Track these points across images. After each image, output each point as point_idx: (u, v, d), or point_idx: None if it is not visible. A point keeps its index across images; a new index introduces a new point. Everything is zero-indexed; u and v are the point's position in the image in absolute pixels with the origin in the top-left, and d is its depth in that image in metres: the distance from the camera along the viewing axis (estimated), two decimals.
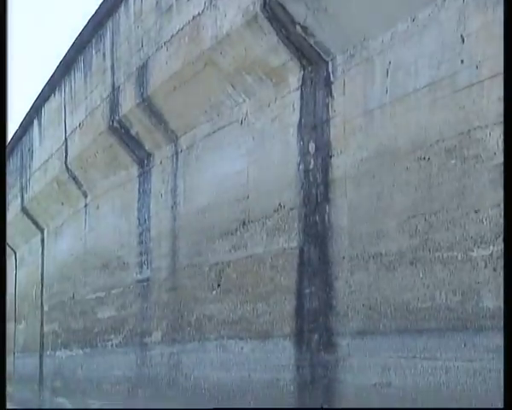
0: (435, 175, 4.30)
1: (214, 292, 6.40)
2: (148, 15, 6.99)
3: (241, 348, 5.98)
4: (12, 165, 12.58)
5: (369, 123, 4.83)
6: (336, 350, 4.97)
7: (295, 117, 5.51)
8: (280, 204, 5.61)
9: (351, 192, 4.94)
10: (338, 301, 4.98)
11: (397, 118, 4.61)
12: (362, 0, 4.76)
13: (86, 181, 9.39)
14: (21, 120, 12.08)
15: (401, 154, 4.55)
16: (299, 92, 5.47)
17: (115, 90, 7.77)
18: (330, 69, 5.18)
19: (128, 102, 7.46)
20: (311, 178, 5.30)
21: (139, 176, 7.99)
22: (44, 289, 11.52)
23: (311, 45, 5.19)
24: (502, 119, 3.81)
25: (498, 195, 3.86)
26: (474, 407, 3.98)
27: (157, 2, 6.81)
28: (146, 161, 7.82)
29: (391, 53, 4.65)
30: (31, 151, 11.54)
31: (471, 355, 4.01)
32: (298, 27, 5.13)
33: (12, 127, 12.45)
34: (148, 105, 7.13)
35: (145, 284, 7.68)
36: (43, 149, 10.73)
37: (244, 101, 6.07)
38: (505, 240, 3.69)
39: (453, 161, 4.19)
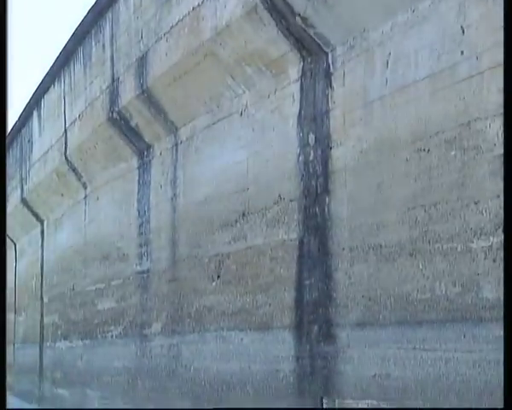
0: (435, 166, 4.30)
1: (214, 283, 6.40)
2: (148, 6, 6.97)
3: (241, 340, 5.98)
4: (11, 156, 12.58)
5: (368, 114, 4.82)
6: (336, 341, 4.98)
7: (295, 108, 5.50)
8: (280, 196, 5.61)
9: (350, 184, 4.94)
10: (338, 292, 4.98)
11: (397, 109, 4.60)
12: None
13: (86, 172, 9.39)
14: (21, 111, 12.08)
15: (401, 145, 4.55)
16: (298, 83, 5.47)
17: (115, 81, 7.76)
18: (330, 60, 5.17)
19: (128, 93, 7.46)
20: (311, 170, 5.30)
21: (139, 167, 7.99)
22: (44, 281, 11.53)
23: (310, 36, 5.18)
24: (502, 110, 3.81)
25: (498, 186, 3.86)
26: (473, 397, 3.99)
27: None
28: (146, 153, 7.82)
29: (391, 44, 4.65)
30: (30, 143, 11.54)
31: (471, 346, 4.02)
32: (298, 18, 5.12)
33: (11, 118, 12.44)
34: (147, 96, 7.13)
35: (145, 275, 7.68)
36: (43, 140, 10.73)
37: (244, 92, 6.07)
38: (505, 231, 3.70)
39: (453, 153, 4.19)
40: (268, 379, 5.63)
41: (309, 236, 5.29)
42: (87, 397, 9.17)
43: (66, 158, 9.56)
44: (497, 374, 3.81)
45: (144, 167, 7.85)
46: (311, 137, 5.32)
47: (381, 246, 4.65)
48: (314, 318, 5.18)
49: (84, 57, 8.78)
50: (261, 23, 5.41)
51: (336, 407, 4.94)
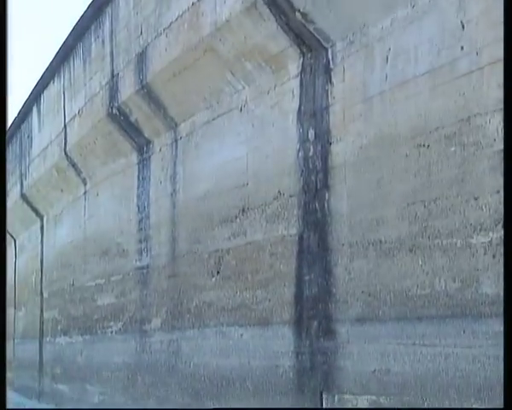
0: (435, 162, 4.29)
1: (214, 279, 6.40)
2: (148, 2, 6.97)
3: (241, 335, 5.99)
4: (11, 152, 12.57)
5: (368, 110, 4.82)
6: (335, 337, 4.98)
7: (295, 104, 5.50)
8: (279, 191, 5.61)
9: (350, 179, 4.93)
10: (337, 288, 4.98)
11: (396, 105, 4.60)
12: None
13: (85, 168, 9.39)
14: (20, 106, 12.07)
15: (401, 141, 4.55)
16: (298, 79, 5.47)
17: (114, 76, 7.75)
18: (330, 56, 5.17)
19: (127, 88, 7.45)
20: (311, 166, 5.30)
21: (138, 163, 7.98)
22: (44, 276, 11.54)
23: (310, 32, 5.18)
24: (502, 105, 3.81)
25: (498, 182, 3.86)
26: (472, 392, 3.99)
27: None
28: (145, 148, 7.82)
29: (391, 39, 4.64)
30: (30, 138, 11.53)
31: (470, 342, 4.02)
32: (297, 14, 5.12)
33: (11, 114, 12.43)
34: (147, 92, 7.12)
35: (144, 271, 7.68)
36: (43, 135, 10.73)
37: (243, 88, 6.06)
38: (505, 227, 3.70)
39: (453, 148, 4.18)
40: (268, 375, 5.63)
41: (309, 231, 5.29)
42: (87, 392, 9.18)
43: (65, 153, 9.55)
44: (497, 369, 3.82)
45: (144, 163, 7.85)
46: (311, 133, 5.32)
47: (380, 242, 4.65)
48: (314, 313, 5.18)
49: (84, 53, 8.78)
50: (261, 18, 5.41)
51: (336, 401, 4.94)
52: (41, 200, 11.50)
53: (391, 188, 4.60)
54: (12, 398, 12.10)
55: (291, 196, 5.48)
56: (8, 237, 12.94)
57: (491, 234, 3.93)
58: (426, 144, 4.36)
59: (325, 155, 5.17)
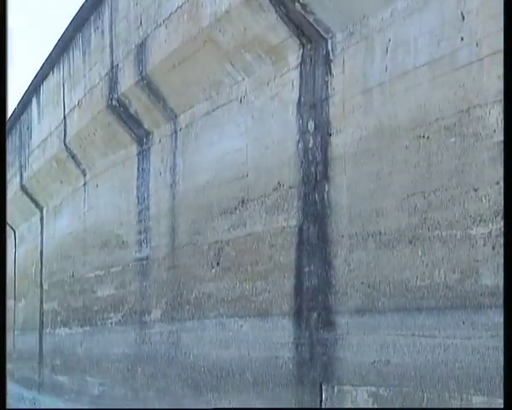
0: (435, 153, 4.29)
1: (213, 270, 6.41)
2: None
3: (241, 327, 5.99)
4: (11, 143, 12.56)
5: (368, 101, 4.82)
6: (335, 328, 4.99)
7: (294, 95, 5.49)
8: (279, 183, 5.61)
9: (350, 171, 4.93)
10: (337, 279, 4.99)
11: (396, 96, 4.59)
12: None
13: (85, 159, 9.39)
14: (20, 97, 12.06)
15: (400, 132, 4.55)
16: (298, 70, 5.46)
17: (114, 68, 7.74)
18: (330, 47, 5.16)
19: (127, 80, 7.44)
20: (311, 157, 5.30)
21: (138, 154, 7.98)
22: (44, 268, 11.54)
23: (310, 23, 5.17)
24: (501, 97, 3.80)
25: (498, 173, 3.86)
26: (472, 383, 4.00)
27: None
28: (145, 140, 7.81)
29: (391, 31, 4.63)
30: (29, 129, 11.53)
31: (470, 333, 4.02)
32: (297, 4, 5.11)
33: (10, 105, 12.42)
34: (146, 83, 7.12)
35: (144, 262, 7.69)
36: (42, 127, 10.72)
37: (243, 79, 6.06)
38: (504, 218, 3.70)
39: (453, 139, 4.18)
40: (267, 366, 5.64)
41: (308, 223, 5.29)
42: (87, 383, 9.19)
43: (65, 145, 9.55)
44: (496, 361, 3.82)
45: (144, 154, 7.85)
46: (311, 124, 5.32)
47: (380, 233, 4.65)
48: (313, 305, 5.19)
49: (84, 44, 8.77)
50: (260, 9, 5.40)
51: (335, 392, 4.95)
52: (41, 191, 11.50)
53: (390, 179, 4.60)
54: (12, 389, 12.14)
55: (291, 188, 5.48)
56: (7, 228, 12.94)
57: (490, 225, 3.93)
58: (426, 136, 4.36)
59: (325, 147, 5.16)
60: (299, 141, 5.41)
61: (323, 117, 5.19)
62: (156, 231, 7.49)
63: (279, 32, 5.42)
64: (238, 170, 6.08)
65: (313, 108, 5.30)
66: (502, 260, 3.76)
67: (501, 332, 3.72)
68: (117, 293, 8.36)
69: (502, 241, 3.82)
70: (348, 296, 4.88)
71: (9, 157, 12.18)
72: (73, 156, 9.56)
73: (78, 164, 9.60)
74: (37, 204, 11.89)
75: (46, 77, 10.47)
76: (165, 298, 7.20)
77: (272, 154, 5.71)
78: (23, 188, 12.00)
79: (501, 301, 3.77)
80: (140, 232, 7.80)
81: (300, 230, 5.36)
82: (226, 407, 6.12)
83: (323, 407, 5.06)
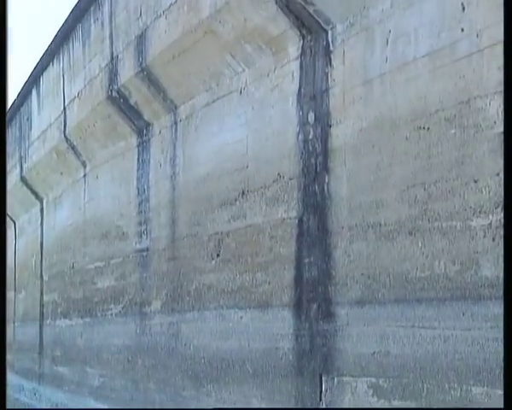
0: (435, 145, 4.29)
1: (213, 262, 6.41)
2: None
3: (241, 318, 6.00)
4: (10, 134, 12.56)
5: (368, 92, 4.81)
6: (335, 319, 4.99)
7: (295, 86, 5.49)
8: (279, 174, 5.60)
9: (350, 162, 4.93)
10: (337, 270, 4.99)
11: (396, 87, 4.59)
12: None
13: (85, 151, 9.38)
14: (20, 89, 12.05)
15: (401, 123, 4.54)
16: (298, 62, 5.45)
17: (114, 59, 7.74)
18: (330, 38, 5.15)
19: (127, 71, 7.44)
20: (311, 148, 5.29)
21: (138, 146, 7.98)
22: (44, 259, 11.55)
23: (310, 14, 5.16)
24: (502, 88, 3.80)
25: (498, 164, 3.86)
26: (471, 375, 4.00)
27: None
28: (145, 131, 7.81)
29: (391, 22, 4.63)
30: (29, 121, 11.52)
31: (469, 324, 4.02)
32: None
33: (10, 96, 12.40)
34: (146, 74, 7.11)
35: (144, 253, 7.69)
36: (42, 118, 10.71)
37: (243, 70, 6.05)
38: (504, 210, 3.70)
39: (453, 131, 4.18)
40: (267, 357, 5.64)
41: (308, 214, 5.29)
42: (87, 375, 9.21)
43: (65, 136, 9.54)
44: (496, 352, 3.83)
45: (144, 146, 7.85)
46: (311, 116, 5.31)
47: (380, 224, 4.65)
48: (313, 296, 5.19)
49: (83, 35, 8.76)
50: (260, 0, 5.39)
51: (335, 384, 4.96)
52: (41, 183, 11.50)
53: (391, 171, 4.60)
54: (12, 380, 12.17)
55: (291, 179, 5.47)
56: (8, 219, 12.94)
57: (490, 217, 3.93)
58: (426, 127, 4.35)
59: (325, 138, 5.16)
60: (299, 132, 5.41)
61: (324, 108, 5.19)
62: (156, 223, 7.49)
63: (279, 23, 5.41)
64: (238, 161, 6.08)
65: (313, 99, 5.29)
66: (502, 252, 3.77)
67: (500, 323, 3.72)
68: (117, 284, 8.37)
69: (502, 232, 3.82)
70: (348, 288, 4.89)
71: (9, 148, 12.18)
72: (73, 148, 9.55)
73: (78, 155, 9.60)
74: (37, 195, 11.90)
75: (46, 68, 10.46)
76: (166, 289, 7.21)
77: (272, 145, 5.71)
78: (23, 179, 11.99)
79: (501, 292, 3.77)
80: (140, 224, 7.81)
81: (300, 221, 5.36)
82: (226, 398, 6.13)
83: (323, 397, 5.06)
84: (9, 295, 13.12)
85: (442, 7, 4.26)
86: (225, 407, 6.14)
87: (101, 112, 8.30)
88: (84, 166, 9.57)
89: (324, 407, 5.05)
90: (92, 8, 8.44)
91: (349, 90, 4.96)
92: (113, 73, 7.77)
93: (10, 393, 12.21)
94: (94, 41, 8.38)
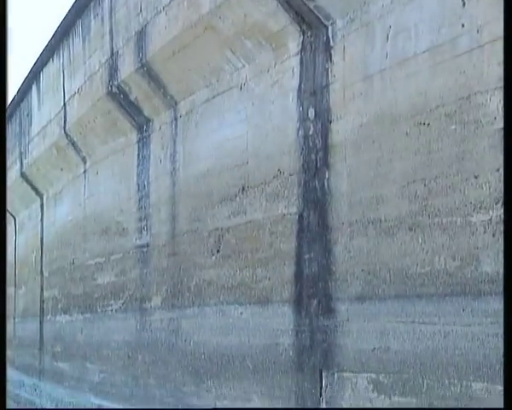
0: (435, 140, 4.29)
1: (213, 258, 6.41)
2: None
3: (241, 314, 6.00)
4: (10, 130, 12.55)
5: (368, 88, 4.81)
6: (335, 315, 4.99)
7: (295, 82, 5.48)
8: (279, 170, 5.60)
9: (350, 158, 4.93)
10: (337, 266, 4.99)
11: (397, 83, 4.59)
12: None
13: (85, 147, 9.38)
14: (20, 84, 12.04)
15: (401, 119, 4.54)
16: (298, 57, 5.45)
17: (114, 55, 7.73)
18: (330, 34, 5.15)
19: (127, 67, 7.43)
20: (311, 144, 5.29)
21: (138, 142, 7.97)
22: (44, 255, 11.55)
23: (310, 10, 5.16)
24: (502, 83, 3.80)
25: (498, 160, 3.86)
26: (471, 370, 4.01)
27: None
28: (145, 127, 7.80)
29: (391, 17, 4.62)
30: (29, 116, 11.51)
31: (469, 320, 4.03)
32: None
33: (10, 92, 12.39)
34: (146, 70, 7.11)
35: (144, 249, 7.69)
36: (42, 114, 10.71)
37: (243, 66, 6.05)
38: (504, 205, 3.70)
39: (453, 126, 4.18)
40: (267, 353, 5.65)
41: (308, 210, 5.29)
42: (87, 370, 9.21)
43: (65, 132, 9.54)
44: (496, 347, 3.83)
45: (144, 142, 7.84)
46: (311, 111, 5.31)
47: (380, 220, 4.65)
48: (313, 292, 5.19)
49: (83, 30, 8.75)
50: None
51: (335, 379, 4.96)
52: (41, 178, 11.50)
53: (391, 166, 4.60)
54: (12, 376, 12.19)
55: (291, 175, 5.47)
56: (8, 215, 12.94)
57: (491, 212, 3.93)
58: (426, 122, 4.35)
59: (325, 134, 5.16)
60: (299, 128, 5.41)
61: (324, 104, 5.19)
62: (156, 219, 7.49)
63: (279, 18, 5.41)
64: (238, 157, 6.08)
65: (313, 95, 5.29)
66: (502, 248, 3.77)
67: (501, 319, 3.73)
68: (117, 280, 8.37)
69: (502, 228, 3.82)
70: (348, 283, 4.89)
71: (9, 144, 12.17)
72: (73, 143, 9.55)
73: (78, 151, 9.60)
74: (37, 191, 11.89)
75: (46, 64, 10.45)
76: (166, 285, 7.21)
77: (272, 141, 5.71)
78: (23, 175, 11.99)
79: (501, 288, 3.78)
80: (140, 219, 7.81)
81: (301, 217, 5.37)
82: (226, 394, 6.14)
83: (323, 393, 5.07)
84: (10, 290, 13.13)
85: (442, 2, 4.26)
86: (225, 402, 6.14)
87: (102, 108, 8.30)
88: (85, 162, 9.56)
89: (325, 402, 5.05)
90: (92, 4, 8.43)
91: (349, 86, 4.96)
92: (113, 69, 7.77)
93: (11, 389, 12.24)
94: (94, 37, 8.38)
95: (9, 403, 11.00)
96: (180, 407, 6.80)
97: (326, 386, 5.06)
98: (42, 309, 11.55)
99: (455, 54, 4.18)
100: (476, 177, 4.03)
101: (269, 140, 5.74)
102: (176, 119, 7.16)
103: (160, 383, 7.26)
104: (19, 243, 13.53)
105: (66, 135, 9.54)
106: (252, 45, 5.82)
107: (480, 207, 4.00)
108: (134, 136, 8.05)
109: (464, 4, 4.12)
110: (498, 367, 3.80)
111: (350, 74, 4.96)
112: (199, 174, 6.68)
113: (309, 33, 5.33)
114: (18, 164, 12.10)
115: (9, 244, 13.35)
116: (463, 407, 4.06)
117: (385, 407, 4.56)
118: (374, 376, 4.66)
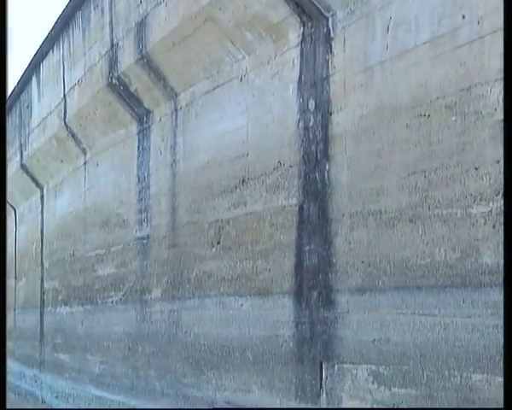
0: (435, 132, 4.29)
1: (214, 249, 6.41)
2: None
3: (241, 305, 6.00)
4: (11, 122, 12.54)
5: (369, 80, 4.80)
6: (335, 307, 5.00)
7: (295, 74, 5.48)
8: (279, 161, 5.60)
9: (350, 149, 4.93)
10: (337, 258, 4.99)
11: (397, 74, 4.58)
12: None
13: (85, 138, 9.37)
14: (20, 76, 12.03)
15: (401, 110, 4.54)
16: (298, 49, 5.44)
17: (114, 46, 7.72)
18: (330, 25, 5.14)
19: (127, 58, 7.42)
20: (311, 136, 5.29)
21: (138, 133, 7.97)
22: (44, 247, 11.55)
23: (310, 1, 5.15)
24: (502, 75, 3.79)
25: (498, 151, 3.86)
26: (471, 362, 4.01)
27: None
28: (145, 119, 7.80)
29: (391, 8, 4.62)
30: (29, 108, 11.50)
31: (469, 311, 4.03)
32: None
33: (10, 83, 12.38)
34: (147, 62, 7.09)
35: (145, 241, 7.69)
36: (42, 106, 10.70)
37: (244, 57, 6.04)
38: (505, 197, 3.70)
39: (453, 118, 4.17)
40: (268, 344, 5.65)
41: (309, 202, 5.29)
42: (87, 362, 9.22)
43: (65, 124, 9.53)
44: (496, 339, 3.84)
45: (144, 133, 7.84)
46: (311, 103, 5.31)
47: (380, 212, 4.65)
48: (314, 283, 5.20)
49: (83, 22, 8.73)
50: None
51: (335, 371, 4.97)
52: (41, 170, 11.49)
53: (391, 158, 4.60)
54: (13, 367, 12.20)
55: (291, 167, 5.47)
56: (8, 207, 12.95)
57: (491, 204, 3.94)
58: (426, 114, 4.35)
59: (325, 125, 5.16)
60: (299, 120, 5.40)
61: (324, 96, 5.18)
62: (157, 210, 7.49)
63: (280, 10, 5.40)
64: (238, 149, 6.08)
65: (314, 86, 5.28)
66: (502, 239, 3.77)
67: (501, 311, 3.73)
68: (117, 272, 8.37)
69: (502, 219, 3.82)
70: (348, 275, 4.89)
71: (9, 136, 12.17)
72: (73, 135, 9.54)
73: (78, 143, 9.59)
74: (37, 183, 11.89)
75: (46, 55, 10.43)
76: (166, 277, 7.22)
77: (273, 133, 5.70)
78: (23, 167, 11.98)
79: (501, 279, 3.78)
80: (140, 211, 7.81)
81: (301, 209, 5.36)
82: (227, 385, 6.14)
83: (324, 385, 5.08)
84: (10, 282, 13.14)
85: None
86: (226, 393, 6.15)
87: (102, 99, 8.29)
88: (85, 154, 9.56)
89: (325, 393, 5.06)
90: None
91: (349, 78, 4.96)
92: (113, 61, 7.76)
93: (11, 380, 12.25)
94: (94, 28, 8.36)
95: (10, 395, 11.01)
96: (185, 408, 6.80)
97: (326, 377, 5.06)
98: (42, 301, 11.55)
99: (455, 45, 4.17)
100: (476, 168, 4.03)
101: (269, 132, 5.74)
102: (176, 110, 7.15)
103: (161, 375, 7.27)
104: (19, 234, 13.53)
105: (67, 127, 9.53)
106: (252, 37, 5.81)
107: (480, 199, 4.00)
108: (134, 127, 8.04)
109: None
110: (498, 359, 3.81)
111: (350, 66, 4.96)
112: (199, 166, 6.68)
113: (309, 25, 5.32)
114: (18, 156, 12.09)
115: (10, 236, 13.36)
116: (463, 405, 4.06)
117: (385, 398, 4.57)
118: (374, 367, 4.66)
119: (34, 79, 11.17)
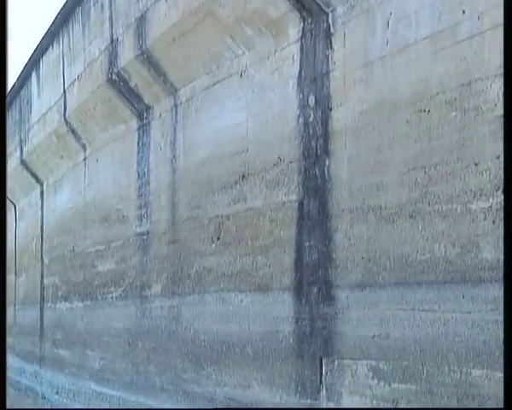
0: (435, 127, 4.28)
1: (214, 245, 6.41)
2: None
3: (241, 301, 6.01)
4: (10, 118, 12.54)
5: (369, 75, 4.80)
6: (335, 302, 5.00)
7: (295, 69, 5.47)
8: (279, 157, 5.60)
9: (350, 145, 4.92)
10: (337, 253, 4.99)
11: (397, 70, 4.58)
12: None
13: (85, 134, 9.37)
14: (19, 72, 12.02)
15: (401, 106, 4.53)
16: (298, 44, 5.44)
17: (114, 42, 7.71)
18: (330, 21, 5.14)
19: (127, 54, 7.42)
20: (311, 131, 5.29)
21: (138, 129, 7.97)
22: (44, 243, 11.56)
23: None
24: (502, 70, 3.79)
25: (498, 147, 3.85)
26: (471, 357, 4.01)
27: None
28: (145, 114, 7.79)
29: (392, 4, 4.61)
30: (29, 104, 11.49)
31: (469, 307, 4.03)
32: None
33: (10, 79, 12.37)
34: (146, 57, 7.09)
35: (145, 237, 7.69)
36: (42, 101, 10.69)
37: (244, 53, 6.03)
38: (505, 192, 3.70)
39: (453, 113, 4.17)
40: (267, 340, 5.66)
41: (309, 197, 5.29)
42: (87, 358, 9.23)
43: (65, 119, 9.53)
44: (496, 334, 3.84)
45: (144, 129, 7.83)
46: (311, 99, 5.30)
47: (380, 207, 4.65)
48: (314, 279, 5.20)
49: (83, 17, 8.72)
50: None
51: (335, 366, 4.97)
52: (41, 166, 11.49)
53: (391, 153, 4.59)
54: (13, 363, 12.21)
55: (291, 162, 5.47)
56: (8, 203, 12.95)
57: (491, 199, 3.93)
58: (426, 109, 4.35)
59: (325, 121, 5.15)
60: (299, 115, 5.40)
61: (324, 91, 5.18)
62: (156, 206, 7.49)
63: (280, 5, 5.39)
64: (238, 144, 6.07)
65: (314, 82, 5.28)
66: (502, 235, 3.77)
67: (501, 306, 3.73)
68: (117, 267, 8.37)
69: (502, 215, 3.82)
70: (348, 271, 4.89)
71: (9, 132, 12.16)
72: (73, 131, 9.54)
73: (78, 139, 9.58)
74: (37, 179, 11.89)
75: (46, 51, 10.42)
76: (166, 273, 7.22)
77: (273, 128, 5.70)
78: (23, 163, 11.98)
79: (501, 275, 3.78)
80: (140, 207, 7.81)
81: (301, 204, 5.36)
82: (227, 381, 6.15)
83: (323, 380, 5.08)
84: (10, 278, 13.14)
85: None
86: (226, 389, 6.15)
87: (101, 95, 8.29)
88: (84, 150, 9.56)
89: (325, 389, 5.06)
90: None
91: (350, 73, 4.95)
92: (112, 56, 7.75)
93: (11, 376, 12.26)
94: (94, 23, 8.36)
95: (10, 390, 11.02)
96: (185, 408, 6.80)
97: (326, 373, 5.06)
98: (42, 296, 11.56)
99: (455, 40, 4.17)
100: (476, 164, 4.02)
101: (269, 127, 5.74)
102: (176, 106, 7.15)
103: (161, 371, 7.27)
104: (19, 230, 13.54)
105: (66, 122, 9.52)
106: (252, 32, 5.81)
107: (480, 195, 4.00)
108: (134, 123, 8.04)
109: None
110: (498, 354, 3.81)
111: (350, 61, 4.95)
112: (199, 162, 6.68)
113: (309, 20, 5.31)
114: (18, 151, 12.09)
115: (9, 232, 13.36)
116: (463, 400, 4.07)
117: (384, 393, 4.57)
118: (374, 363, 4.66)
119: (34, 74, 11.16)
